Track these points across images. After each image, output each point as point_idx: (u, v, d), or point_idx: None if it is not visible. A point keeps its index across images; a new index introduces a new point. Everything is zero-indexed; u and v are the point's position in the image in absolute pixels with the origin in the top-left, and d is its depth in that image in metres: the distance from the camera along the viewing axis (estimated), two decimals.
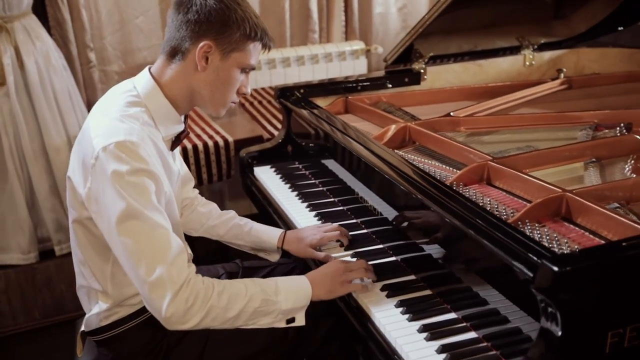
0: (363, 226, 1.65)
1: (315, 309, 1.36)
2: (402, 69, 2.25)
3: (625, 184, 1.38)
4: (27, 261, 2.47)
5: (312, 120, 1.89)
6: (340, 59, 3.11)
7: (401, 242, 1.52)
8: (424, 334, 1.21)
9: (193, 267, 1.26)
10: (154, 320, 1.27)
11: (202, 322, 1.22)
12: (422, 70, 2.22)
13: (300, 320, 1.32)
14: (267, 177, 2.01)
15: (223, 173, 2.50)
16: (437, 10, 2.02)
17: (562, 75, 2.28)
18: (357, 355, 1.54)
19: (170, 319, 1.19)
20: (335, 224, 1.59)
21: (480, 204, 1.30)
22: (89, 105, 2.72)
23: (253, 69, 1.35)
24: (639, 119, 1.75)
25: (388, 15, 3.28)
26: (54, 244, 2.52)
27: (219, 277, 1.51)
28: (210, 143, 2.44)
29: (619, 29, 2.41)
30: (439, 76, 2.26)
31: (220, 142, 2.46)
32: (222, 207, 1.69)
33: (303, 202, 1.81)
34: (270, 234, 1.58)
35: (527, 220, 1.26)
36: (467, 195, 1.35)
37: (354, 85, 2.15)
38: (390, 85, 2.19)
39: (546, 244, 1.17)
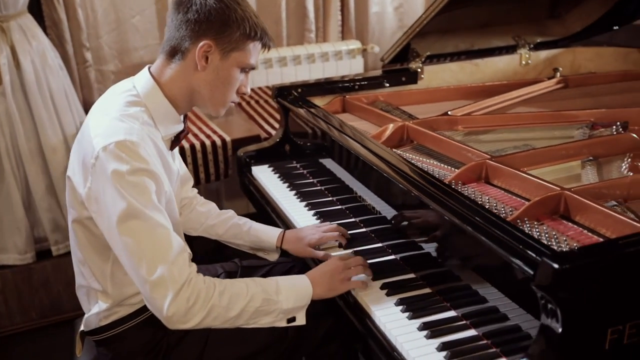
0: (362, 225, 1.66)
1: (315, 308, 1.36)
2: (399, 68, 2.26)
3: (622, 182, 1.39)
4: (24, 261, 2.47)
5: (310, 119, 1.90)
6: (337, 59, 3.12)
7: (400, 241, 1.52)
8: (424, 332, 1.21)
9: (194, 266, 1.26)
10: (154, 319, 1.28)
11: (204, 321, 1.22)
12: (419, 70, 2.23)
13: (301, 320, 1.33)
14: (265, 176, 2.01)
15: (220, 172, 2.50)
16: (434, 9, 2.03)
17: (558, 74, 2.29)
18: (356, 354, 1.55)
19: (171, 318, 1.20)
20: (334, 224, 1.59)
21: (479, 203, 1.31)
22: (86, 105, 2.72)
23: (253, 68, 1.36)
24: (635, 118, 1.76)
25: (384, 14, 3.29)
26: (51, 244, 2.51)
27: (217, 277, 1.50)
28: (207, 142, 2.44)
29: (614, 28, 2.42)
30: (435, 75, 2.27)
31: (218, 142, 2.46)
32: (220, 207, 1.69)
33: (301, 201, 1.82)
34: (269, 234, 1.59)
35: (526, 219, 1.27)
36: (466, 194, 1.36)
37: (352, 84, 2.15)
38: (388, 85, 2.19)
39: (545, 242, 1.18)
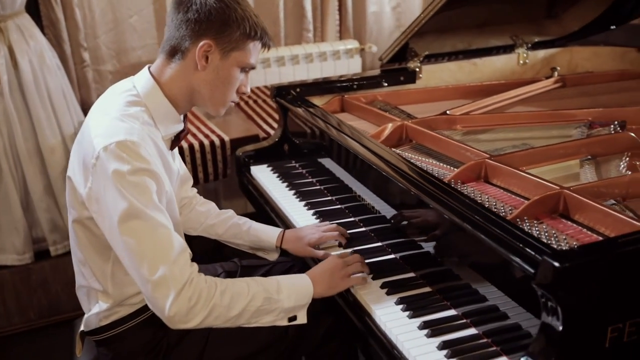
0: (361, 224, 1.66)
1: (315, 307, 1.37)
2: (397, 67, 2.26)
3: (621, 180, 1.39)
4: (22, 262, 2.46)
5: (309, 119, 1.90)
6: (335, 58, 3.12)
7: (400, 240, 1.53)
8: (425, 331, 1.22)
9: (195, 266, 1.26)
10: (154, 319, 1.28)
11: (205, 321, 1.22)
12: (417, 69, 2.23)
13: (302, 319, 1.33)
14: (264, 176, 2.01)
15: (219, 172, 2.50)
16: (432, 9, 2.03)
17: (556, 73, 2.30)
18: (356, 353, 1.55)
19: (173, 318, 1.20)
20: (334, 224, 1.59)
21: (479, 202, 1.31)
22: (83, 105, 2.71)
23: (253, 68, 1.36)
24: (632, 117, 1.77)
25: (382, 14, 3.29)
26: (49, 244, 2.51)
27: (217, 276, 1.50)
28: (206, 142, 2.44)
29: (611, 27, 2.43)
30: (434, 75, 2.27)
31: (216, 141, 2.46)
32: (218, 207, 1.69)
33: (301, 200, 1.82)
34: (269, 233, 1.59)
35: (525, 217, 1.27)
36: (466, 193, 1.36)
37: (350, 84, 2.16)
38: (386, 84, 2.20)
39: (545, 241, 1.18)
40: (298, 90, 2.07)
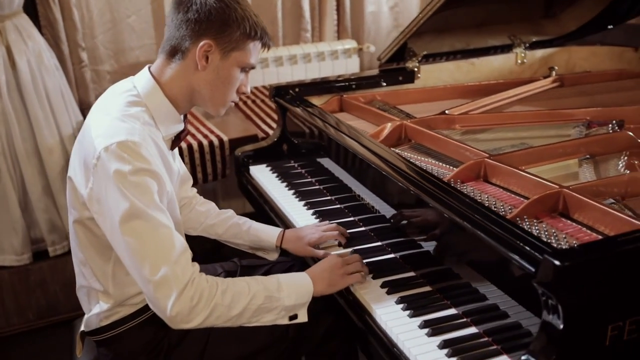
0: (361, 224, 1.66)
1: (315, 306, 1.37)
2: (396, 67, 2.26)
3: (620, 179, 1.40)
4: (21, 262, 2.46)
5: (308, 119, 1.90)
6: (333, 58, 3.12)
7: (399, 240, 1.53)
8: (426, 330, 1.22)
9: (197, 266, 1.26)
10: (155, 319, 1.28)
11: (207, 320, 1.22)
12: (415, 69, 2.23)
13: (303, 317, 1.33)
14: (263, 175, 2.01)
15: (218, 172, 2.50)
16: (431, 9, 2.04)
17: (554, 73, 2.31)
18: (356, 352, 1.55)
19: (175, 318, 1.20)
20: (334, 223, 1.60)
21: (479, 201, 1.31)
22: (82, 105, 2.71)
23: (253, 67, 1.36)
24: (630, 116, 1.78)
25: (380, 14, 3.30)
26: (48, 244, 2.51)
27: (217, 277, 1.51)
28: (205, 142, 2.44)
29: (609, 27, 2.44)
30: (432, 74, 2.28)
31: (215, 142, 2.46)
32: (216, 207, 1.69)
33: (300, 200, 1.82)
34: (269, 233, 1.59)
35: (525, 216, 1.28)
36: (466, 192, 1.37)
37: (349, 83, 2.16)
38: (385, 84, 2.20)
39: (545, 240, 1.19)
40: (297, 90, 2.07)
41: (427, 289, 1.36)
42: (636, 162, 1.53)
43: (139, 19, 2.83)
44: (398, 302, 1.31)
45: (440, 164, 1.60)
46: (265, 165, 2.07)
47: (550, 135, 1.75)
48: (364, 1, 3.23)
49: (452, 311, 1.28)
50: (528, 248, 1.06)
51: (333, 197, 1.82)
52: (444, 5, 2.03)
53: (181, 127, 1.38)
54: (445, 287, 1.34)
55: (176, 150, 1.46)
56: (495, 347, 1.16)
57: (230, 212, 1.65)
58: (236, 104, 2.88)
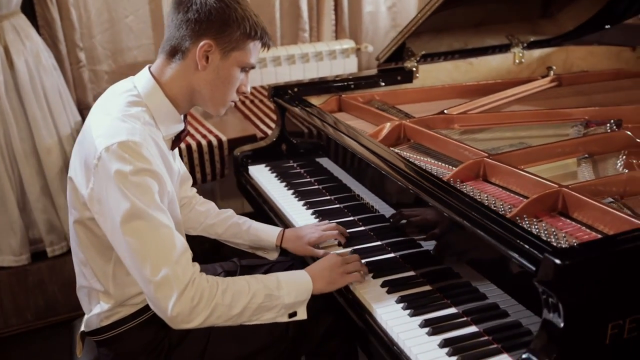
0: (360, 223, 1.67)
1: (315, 306, 1.37)
2: (394, 67, 2.27)
3: (619, 179, 1.41)
4: (19, 263, 2.45)
5: (306, 119, 1.90)
6: (331, 58, 3.13)
7: (399, 239, 1.53)
8: (426, 329, 1.22)
9: (197, 266, 1.26)
10: (155, 319, 1.28)
11: (207, 320, 1.22)
12: (414, 69, 2.24)
13: (302, 314, 1.34)
14: (262, 175, 2.01)
15: (217, 172, 2.50)
16: (430, 9, 2.04)
17: (552, 72, 2.32)
18: (356, 352, 1.56)
19: (176, 318, 1.20)
20: (334, 223, 1.60)
21: (478, 200, 1.32)
22: (80, 105, 2.71)
23: (253, 67, 1.36)
24: (628, 116, 1.78)
25: (378, 14, 3.30)
26: (46, 245, 2.50)
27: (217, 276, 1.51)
28: (203, 142, 2.44)
29: (606, 27, 2.45)
30: (430, 74, 2.28)
31: (214, 142, 2.46)
32: None
33: (299, 200, 1.82)
34: (269, 233, 1.59)
35: (524, 216, 1.28)
36: (465, 192, 1.37)
37: (347, 83, 2.16)
38: (383, 84, 2.20)
39: (544, 239, 1.19)
40: (295, 90, 2.07)
41: (427, 288, 1.36)
42: (634, 161, 1.54)
43: (137, 19, 2.82)
44: (398, 301, 1.32)
45: (440, 163, 1.60)
46: (264, 165, 2.07)
47: (549, 135, 1.76)
48: (361, 1, 3.23)
49: (452, 310, 1.28)
50: (528, 247, 1.06)
51: (332, 197, 1.82)
52: (443, 5, 2.03)
53: (181, 127, 1.38)
54: (445, 287, 1.34)
55: (176, 150, 1.46)
56: (495, 345, 1.17)
57: (229, 212, 1.65)
58: (235, 104, 2.89)
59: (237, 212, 1.68)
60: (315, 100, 2.05)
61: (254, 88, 3.01)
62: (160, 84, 1.32)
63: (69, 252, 2.53)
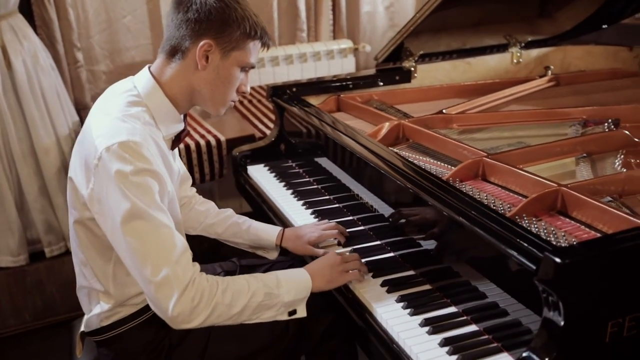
0: (360, 223, 1.67)
1: (315, 305, 1.38)
2: (392, 67, 2.27)
3: (617, 178, 1.41)
4: (17, 263, 2.45)
5: (305, 118, 1.90)
6: (329, 58, 3.13)
7: (398, 238, 1.54)
8: (426, 328, 1.23)
9: (197, 265, 1.26)
10: (155, 319, 1.28)
11: (208, 320, 1.23)
12: (412, 69, 2.24)
13: (302, 312, 1.34)
14: (261, 175, 2.01)
15: (215, 172, 2.50)
16: (428, 9, 2.05)
17: (549, 72, 2.32)
18: (356, 351, 1.56)
19: (176, 318, 1.20)
20: (333, 222, 1.60)
21: (478, 199, 1.32)
22: (77, 105, 2.70)
23: (253, 67, 1.36)
24: (626, 115, 1.79)
25: (375, 14, 3.30)
26: (44, 245, 2.50)
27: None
28: (202, 142, 2.44)
29: (603, 27, 2.46)
30: (428, 74, 2.29)
31: (212, 142, 2.45)
32: None
33: (299, 200, 1.82)
34: (268, 232, 1.59)
35: (524, 215, 1.29)
36: (465, 191, 1.37)
37: (346, 83, 2.16)
38: (382, 83, 2.21)
39: (544, 237, 1.19)
40: (294, 89, 2.07)
41: (427, 287, 1.37)
42: (632, 161, 1.55)
43: (135, 19, 2.82)
44: (398, 300, 1.32)
45: (439, 163, 1.61)
46: (263, 165, 2.07)
47: (547, 134, 1.76)
48: (359, 1, 3.24)
49: (452, 309, 1.28)
50: (529, 246, 1.07)
51: (331, 197, 1.82)
52: (441, 5, 2.04)
53: (181, 126, 1.38)
54: (445, 286, 1.35)
55: (176, 149, 1.46)
56: (495, 344, 1.17)
57: (229, 212, 1.65)
58: (233, 104, 2.89)
59: (236, 212, 1.68)
60: (314, 100, 2.05)
61: (252, 88, 3.01)
62: (160, 83, 1.32)
63: (67, 252, 2.53)
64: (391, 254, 1.51)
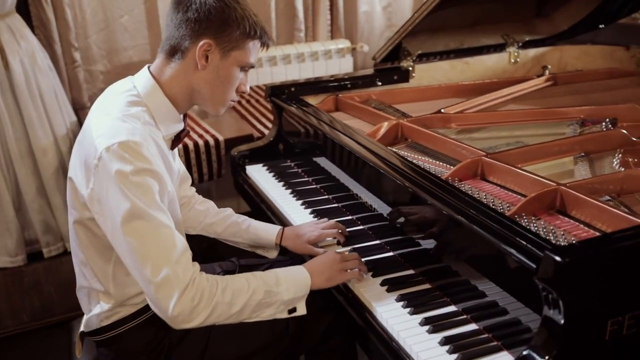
0: (359, 222, 1.67)
1: (315, 304, 1.38)
2: (390, 66, 2.28)
3: (615, 177, 1.42)
4: (15, 264, 2.44)
5: (304, 118, 1.90)
6: (327, 58, 3.13)
7: (398, 238, 1.54)
8: (426, 327, 1.23)
9: (197, 265, 1.26)
10: (155, 319, 1.28)
11: (208, 319, 1.23)
12: (410, 68, 2.25)
13: (302, 310, 1.34)
14: (259, 175, 2.01)
15: (214, 172, 2.50)
16: (426, 8, 2.05)
17: (547, 72, 2.33)
18: (355, 350, 1.56)
19: (177, 318, 1.20)
20: (333, 221, 1.60)
21: (477, 199, 1.32)
22: (75, 106, 2.70)
23: (253, 67, 1.37)
24: (623, 114, 1.80)
25: (373, 13, 3.31)
26: (42, 245, 2.49)
27: None
28: (200, 142, 2.44)
29: (600, 26, 2.47)
30: (427, 74, 2.29)
31: (211, 141, 2.45)
32: None
33: (298, 199, 1.83)
34: (268, 231, 1.59)
35: (523, 214, 1.29)
36: (464, 190, 1.38)
37: (344, 83, 2.17)
38: (380, 83, 2.21)
39: (543, 236, 1.20)
40: (293, 89, 2.07)
41: (427, 286, 1.37)
42: (630, 160, 1.55)
43: (132, 19, 2.82)
44: (398, 299, 1.32)
45: (437, 162, 1.61)
46: (261, 164, 2.07)
47: (545, 134, 1.77)
48: (357, 1, 3.24)
49: (452, 308, 1.29)
50: (529, 245, 1.07)
51: (330, 196, 1.83)
52: (439, 5, 2.04)
53: (181, 126, 1.38)
54: (445, 285, 1.35)
55: (176, 149, 1.46)
56: (495, 343, 1.18)
57: (229, 211, 1.65)
58: None
59: (233, 212, 1.68)
60: (313, 100, 2.05)
61: (250, 88, 3.00)
62: (159, 83, 1.32)
63: (65, 252, 2.52)
64: (390, 254, 1.52)
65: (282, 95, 2.05)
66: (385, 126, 1.78)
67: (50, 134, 2.41)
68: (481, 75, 2.34)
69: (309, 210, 1.76)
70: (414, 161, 1.56)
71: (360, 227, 1.65)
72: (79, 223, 1.30)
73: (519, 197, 1.39)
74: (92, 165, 1.20)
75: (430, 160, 1.63)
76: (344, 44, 3.19)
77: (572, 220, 1.29)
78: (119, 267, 1.30)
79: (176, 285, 1.19)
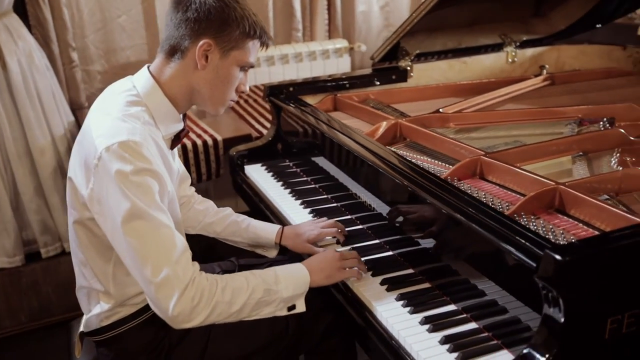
0: (358, 222, 1.67)
1: (315, 303, 1.38)
2: (389, 66, 2.28)
3: (614, 176, 1.42)
4: (13, 264, 2.44)
5: (303, 118, 1.91)
6: (324, 57, 3.13)
7: (397, 237, 1.54)
8: (426, 326, 1.23)
9: (197, 265, 1.26)
10: (155, 318, 1.28)
11: (208, 318, 1.23)
12: (408, 68, 2.25)
13: (301, 307, 1.35)
14: (258, 175, 2.01)
15: (212, 172, 2.50)
16: (424, 8, 2.05)
17: (544, 71, 2.34)
18: (355, 350, 1.56)
19: (177, 317, 1.20)
20: (332, 220, 1.60)
21: (476, 198, 1.33)
22: (72, 105, 2.69)
23: (252, 66, 1.37)
24: (621, 114, 1.80)
25: (370, 13, 3.31)
26: (40, 246, 2.49)
27: None
28: (199, 142, 2.44)
29: (597, 26, 2.47)
30: (425, 73, 2.30)
31: (209, 141, 2.45)
32: None
33: (297, 199, 1.83)
34: (268, 230, 1.60)
35: (522, 213, 1.29)
36: (463, 190, 1.38)
37: (343, 82, 2.17)
38: (378, 83, 2.21)
39: (543, 235, 1.20)
40: (291, 89, 2.08)
41: (427, 285, 1.37)
42: (628, 159, 1.56)
43: (130, 19, 2.81)
44: (398, 298, 1.33)
45: (436, 161, 1.61)
46: (260, 164, 2.07)
47: (543, 133, 1.77)
48: (354, 1, 3.24)
49: (452, 307, 1.29)
50: (529, 244, 1.08)
51: (329, 196, 1.83)
52: (437, 4, 2.04)
53: (181, 126, 1.38)
54: (445, 284, 1.35)
55: (175, 149, 1.46)
56: (495, 341, 1.18)
57: (228, 210, 1.65)
58: None
59: None
60: (311, 100, 2.06)
61: (249, 88, 3.00)
62: (159, 83, 1.32)
63: (63, 253, 2.52)
64: (390, 253, 1.52)
65: (281, 95, 2.05)
66: (383, 126, 1.79)
67: (48, 134, 2.41)
68: (479, 74, 2.34)
69: (308, 209, 1.76)
70: (413, 160, 1.56)
71: (360, 226, 1.65)
72: (78, 223, 1.30)
73: (518, 196, 1.39)
74: (92, 165, 1.20)
75: (429, 159, 1.63)
76: (342, 43, 3.19)
77: (571, 219, 1.29)
78: (119, 267, 1.30)
79: (176, 285, 1.19)
